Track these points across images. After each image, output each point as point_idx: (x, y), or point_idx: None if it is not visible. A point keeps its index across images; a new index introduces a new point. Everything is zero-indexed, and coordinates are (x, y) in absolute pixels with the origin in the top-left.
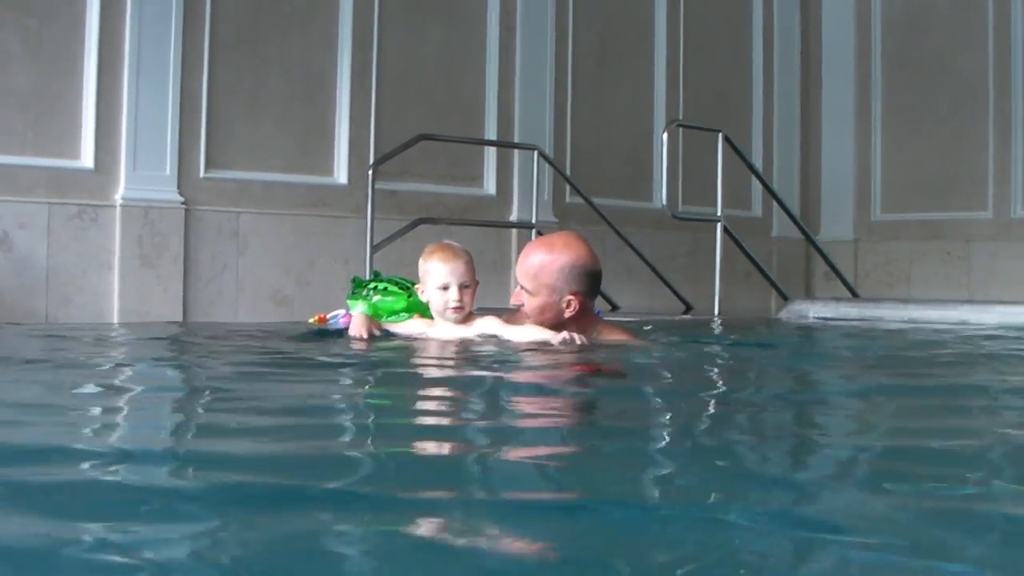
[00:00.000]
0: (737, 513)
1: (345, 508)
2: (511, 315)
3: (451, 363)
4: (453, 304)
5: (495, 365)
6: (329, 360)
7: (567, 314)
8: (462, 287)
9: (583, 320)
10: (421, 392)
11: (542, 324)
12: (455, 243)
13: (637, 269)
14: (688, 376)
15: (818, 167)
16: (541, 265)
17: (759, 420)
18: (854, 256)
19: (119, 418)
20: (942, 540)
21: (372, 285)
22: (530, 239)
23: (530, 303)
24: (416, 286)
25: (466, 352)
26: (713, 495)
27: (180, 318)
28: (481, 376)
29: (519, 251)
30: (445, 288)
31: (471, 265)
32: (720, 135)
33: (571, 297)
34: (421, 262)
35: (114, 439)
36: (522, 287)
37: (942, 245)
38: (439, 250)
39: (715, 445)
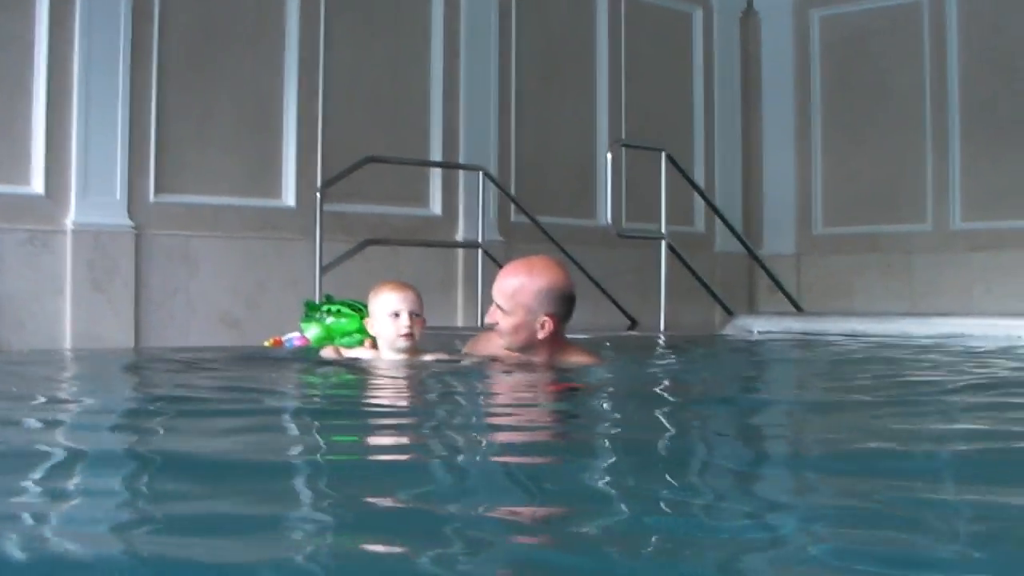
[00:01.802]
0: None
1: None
2: (482, 335)
3: (409, 385)
4: (404, 330)
5: (458, 383)
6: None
7: (540, 335)
8: (412, 315)
9: (554, 342)
10: (383, 419)
11: (515, 343)
12: (401, 281)
13: (583, 286)
14: (652, 394)
15: (760, 183)
16: (520, 286)
17: (704, 430)
18: (796, 270)
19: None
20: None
21: (325, 308)
22: (476, 258)
23: (505, 322)
24: (365, 321)
25: (424, 373)
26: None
27: (132, 342)
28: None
29: (465, 270)
30: (396, 315)
31: (420, 298)
32: (663, 154)
33: (546, 318)
34: (372, 297)
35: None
36: (497, 306)
37: (883, 258)
38: (388, 282)
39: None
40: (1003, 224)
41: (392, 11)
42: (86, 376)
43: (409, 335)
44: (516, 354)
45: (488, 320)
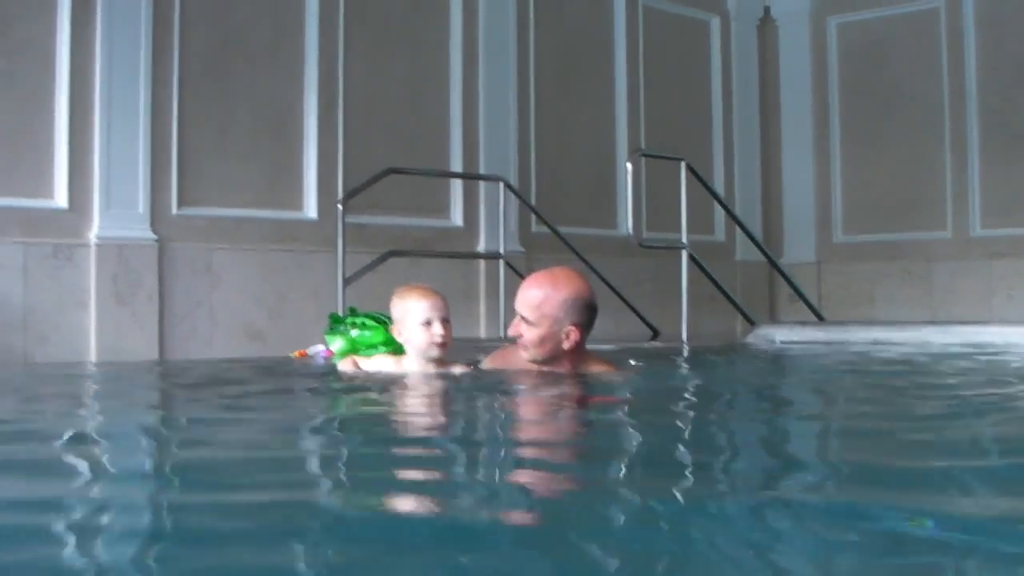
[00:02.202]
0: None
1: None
2: (506, 348)
3: (440, 400)
4: (439, 339)
5: (491, 397)
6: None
7: (565, 345)
8: (444, 322)
9: (576, 353)
10: (411, 432)
11: (540, 354)
12: (425, 286)
13: (604, 296)
14: (682, 406)
15: (779, 191)
16: (545, 297)
17: (732, 443)
18: (817, 278)
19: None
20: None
21: (349, 321)
22: (497, 269)
23: (530, 333)
24: (391, 328)
25: (456, 386)
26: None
27: (156, 354)
28: (478, 408)
29: (487, 281)
30: (428, 324)
31: (447, 304)
32: (683, 163)
33: (571, 328)
34: (397, 302)
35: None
36: (522, 317)
37: (903, 265)
38: (416, 288)
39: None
40: (1023, 231)
41: (411, 21)
42: (108, 390)
43: (443, 344)
44: (539, 366)
45: (512, 332)
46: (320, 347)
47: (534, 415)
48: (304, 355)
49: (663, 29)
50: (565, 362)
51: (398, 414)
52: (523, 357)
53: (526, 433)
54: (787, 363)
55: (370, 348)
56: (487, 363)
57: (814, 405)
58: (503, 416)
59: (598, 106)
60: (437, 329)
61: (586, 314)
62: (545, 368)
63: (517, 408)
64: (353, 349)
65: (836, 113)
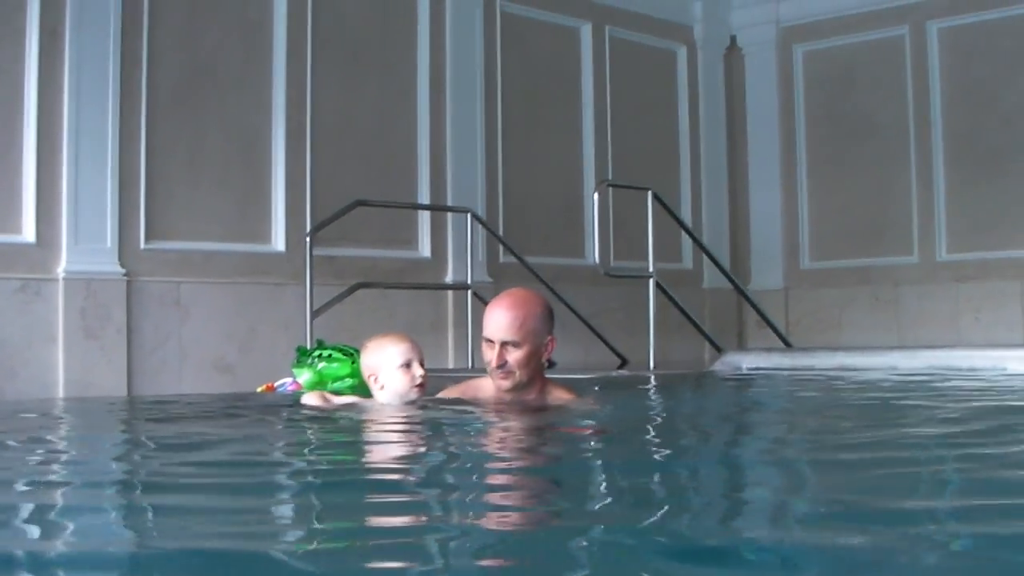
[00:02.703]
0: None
1: None
2: (469, 381)
3: (417, 434)
4: (419, 379)
5: (465, 430)
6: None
7: (545, 357)
8: (421, 363)
9: (542, 379)
10: (394, 461)
11: (526, 375)
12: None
13: (572, 325)
14: (656, 434)
15: (746, 218)
16: (525, 315)
17: (705, 474)
18: (785, 304)
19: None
20: None
21: (316, 353)
22: (465, 300)
23: (517, 356)
24: (367, 377)
25: (428, 420)
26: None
27: (125, 389)
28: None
29: (455, 312)
30: (407, 366)
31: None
32: (649, 193)
33: (550, 339)
34: (372, 351)
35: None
36: (504, 344)
37: (870, 290)
38: (387, 335)
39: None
40: (989, 255)
41: (378, 52)
42: (75, 432)
43: (423, 385)
44: (508, 395)
45: (496, 362)
46: (288, 380)
47: (510, 447)
48: (271, 388)
49: (630, 59)
50: (533, 390)
51: (368, 449)
52: (503, 386)
53: (502, 465)
54: (751, 391)
55: (337, 380)
56: (447, 393)
57: (773, 435)
58: (476, 450)
59: (565, 136)
60: (417, 370)
61: (554, 323)
62: (514, 397)
63: (496, 441)
64: (320, 381)
65: (803, 140)
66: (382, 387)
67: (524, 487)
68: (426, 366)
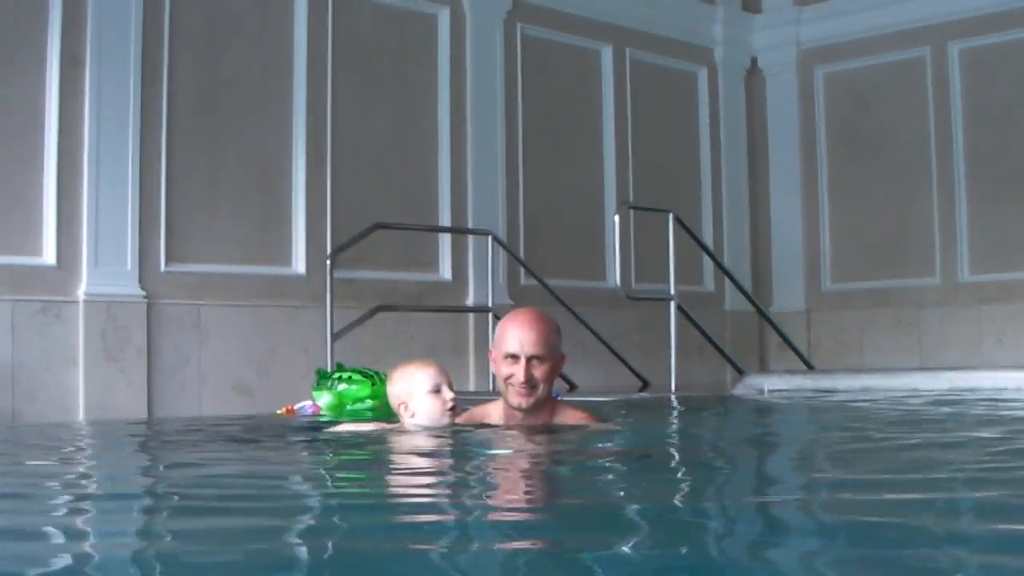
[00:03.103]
0: None
1: None
2: (477, 407)
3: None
4: (451, 403)
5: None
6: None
7: (558, 372)
8: (450, 387)
9: (552, 400)
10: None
11: (547, 391)
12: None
13: (592, 347)
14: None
15: (768, 240)
16: (550, 330)
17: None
18: (806, 326)
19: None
20: None
21: (336, 375)
22: (486, 323)
23: (542, 371)
24: (400, 406)
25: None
26: None
27: (145, 411)
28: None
29: (476, 335)
30: (436, 391)
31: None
32: (670, 215)
33: (562, 355)
34: (399, 378)
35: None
36: (530, 358)
37: (892, 312)
38: (413, 362)
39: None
40: (1011, 276)
41: (398, 75)
42: (94, 456)
43: (455, 408)
44: (521, 415)
45: (524, 379)
46: (308, 402)
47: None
48: (292, 411)
49: (651, 81)
50: (545, 411)
51: (392, 475)
52: (524, 404)
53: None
54: (773, 413)
55: (357, 402)
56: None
57: (794, 457)
58: (508, 474)
59: (586, 158)
60: (447, 393)
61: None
62: (527, 419)
63: (526, 466)
64: (340, 404)
65: (824, 161)
66: (413, 415)
67: (553, 511)
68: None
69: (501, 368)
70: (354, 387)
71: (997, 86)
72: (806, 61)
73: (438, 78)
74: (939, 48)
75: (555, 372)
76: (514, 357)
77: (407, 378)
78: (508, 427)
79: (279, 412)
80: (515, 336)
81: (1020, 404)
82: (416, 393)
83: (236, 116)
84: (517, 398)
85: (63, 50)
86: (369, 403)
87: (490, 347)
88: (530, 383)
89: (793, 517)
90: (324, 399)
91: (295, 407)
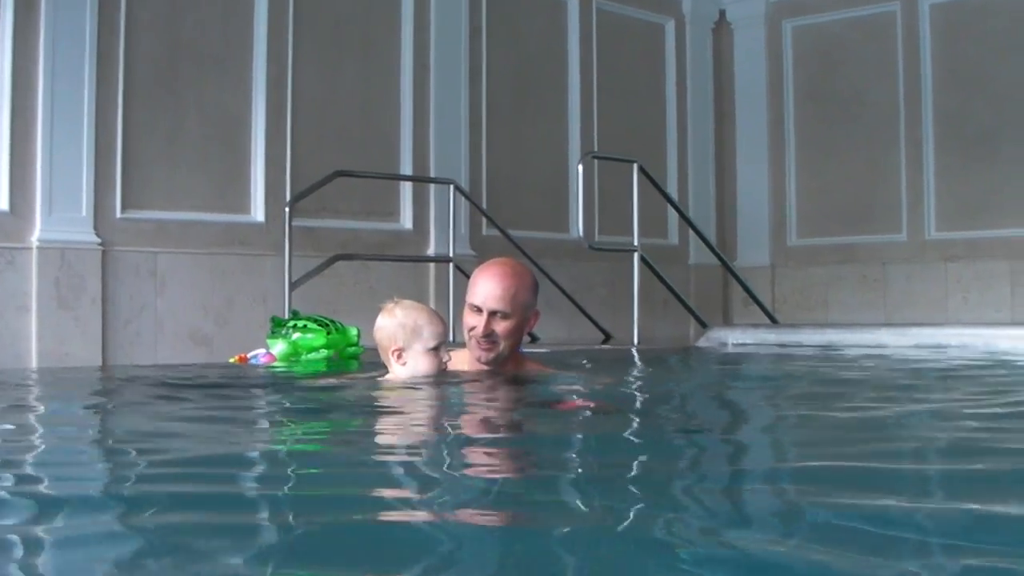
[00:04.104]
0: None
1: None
2: (454, 350)
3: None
4: (446, 367)
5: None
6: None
7: (528, 329)
8: (448, 348)
9: (516, 353)
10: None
11: (510, 347)
12: (414, 303)
13: (556, 300)
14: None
15: (734, 195)
16: (518, 286)
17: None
18: (771, 282)
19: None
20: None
21: (291, 323)
22: (447, 273)
23: (504, 327)
24: (393, 351)
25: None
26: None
27: (99, 360)
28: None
29: (437, 285)
30: (436, 350)
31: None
32: (635, 165)
33: (534, 312)
34: (401, 327)
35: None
36: (493, 313)
37: (858, 269)
38: (422, 311)
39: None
40: (978, 234)
41: (362, 25)
42: (53, 398)
43: (446, 370)
44: (484, 367)
45: (483, 332)
46: (261, 351)
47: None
48: (244, 359)
49: (617, 32)
50: (510, 363)
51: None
52: (483, 357)
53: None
54: (738, 365)
55: (312, 351)
56: None
57: (768, 409)
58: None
59: (551, 109)
60: (445, 356)
61: (537, 295)
62: (490, 369)
63: (488, 417)
64: (294, 352)
65: (791, 116)
66: (404, 363)
67: (517, 464)
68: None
69: (465, 318)
70: (309, 336)
71: (967, 44)
72: (775, 14)
73: (401, 29)
74: (910, 3)
75: (521, 330)
76: (477, 309)
77: (412, 327)
78: (475, 378)
79: (232, 361)
80: (482, 289)
81: (985, 362)
82: (414, 346)
83: (197, 68)
84: (477, 350)
85: None
86: (324, 353)
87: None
88: (489, 337)
89: (756, 466)
90: (278, 347)
91: (248, 356)
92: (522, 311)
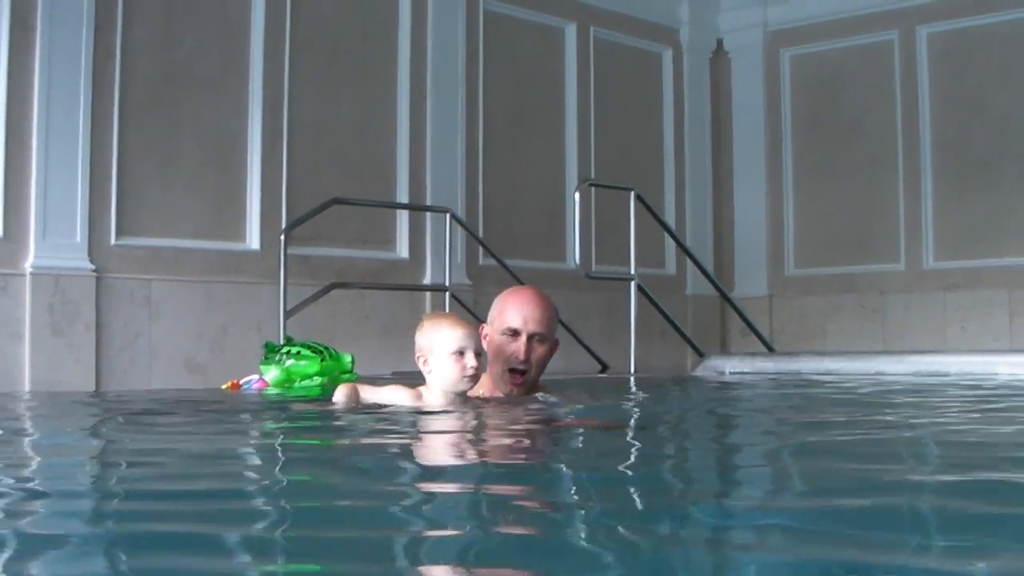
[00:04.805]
0: None
1: None
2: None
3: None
4: (471, 371)
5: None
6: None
7: (549, 359)
8: (477, 354)
9: None
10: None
11: (539, 373)
12: (443, 313)
13: None
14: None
15: (731, 224)
16: (553, 310)
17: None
18: (769, 312)
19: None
20: None
21: (285, 350)
22: (443, 302)
23: (542, 351)
24: (419, 358)
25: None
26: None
27: (92, 386)
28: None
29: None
30: (460, 354)
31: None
32: (632, 194)
33: (557, 339)
34: (426, 329)
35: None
36: (534, 336)
37: (856, 298)
38: (444, 316)
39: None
40: (976, 263)
41: (358, 52)
42: (44, 422)
43: (476, 376)
44: (515, 392)
45: (521, 356)
46: (254, 377)
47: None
48: (237, 386)
49: (615, 61)
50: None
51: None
52: (512, 391)
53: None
54: (739, 392)
55: (306, 379)
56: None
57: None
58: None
59: (548, 138)
60: (470, 360)
61: None
62: (512, 397)
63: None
64: (288, 379)
65: (789, 145)
66: (431, 371)
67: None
68: (482, 355)
69: (497, 346)
70: (303, 363)
71: (965, 72)
72: (772, 43)
73: (398, 54)
74: (907, 32)
75: (549, 358)
76: (515, 333)
77: (433, 333)
78: (484, 402)
79: (224, 387)
80: (523, 311)
81: (989, 388)
82: (437, 351)
83: (193, 92)
84: (509, 384)
85: (13, 16)
86: (318, 380)
87: (483, 325)
88: (527, 363)
89: (751, 483)
90: (272, 374)
91: (240, 382)
92: (554, 336)
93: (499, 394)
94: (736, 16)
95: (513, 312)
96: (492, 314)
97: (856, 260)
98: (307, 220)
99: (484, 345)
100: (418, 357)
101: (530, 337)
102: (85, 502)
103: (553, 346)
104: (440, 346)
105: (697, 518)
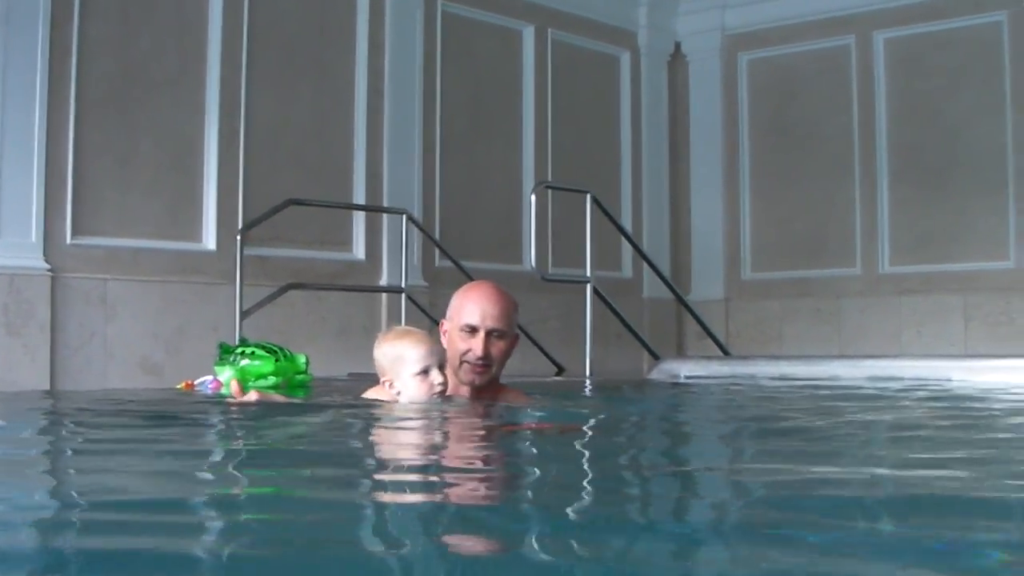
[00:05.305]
0: None
1: None
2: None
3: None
4: (439, 388)
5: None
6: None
7: (511, 353)
8: (441, 368)
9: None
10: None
11: (499, 370)
12: (410, 327)
13: None
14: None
15: (688, 228)
16: (512, 305)
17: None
18: (725, 315)
19: None
20: None
21: (239, 350)
22: (399, 303)
23: (501, 346)
24: (384, 382)
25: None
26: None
27: (47, 386)
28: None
29: (389, 316)
30: (425, 372)
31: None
32: (588, 196)
33: (517, 334)
34: (385, 350)
35: None
36: (490, 332)
37: (812, 302)
38: (403, 335)
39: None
40: (931, 268)
41: (315, 53)
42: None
43: (444, 391)
44: (464, 393)
45: (479, 352)
46: (209, 378)
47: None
48: (191, 386)
49: (573, 63)
50: (489, 391)
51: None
52: (476, 381)
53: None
54: (688, 398)
55: (260, 378)
56: (373, 393)
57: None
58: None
59: (506, 140)
60: (437, 378)
61: None
62: (472, 395)
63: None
64: (242, 379)
65: (746, 149)
66: (398, 393)
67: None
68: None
69: (456, 342)
70: (257, 363)
71: (921, 77)
72: (730, 47)
73: (356, 55)
74: (864, 37)
75: (510, 352)
76: (472, 330)
77: (393, 353)
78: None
79: (178, 387)
80: (481, 307)
81: (942, 392)
82: (402, 373)
83: (150, 92)
84: (470, 374)
85: None
86: (272, 380)
87: (442, 321)
88: (486, 359)
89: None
90: (225, 374)
91: (195, 382)
92: (513, 332)
93: (463, 389)
94: (694, 20)
95: (472, 308)
96: (451, 310)
97: (812, 264)
98: (263, 221)
99: (443, 341)
100: (383, 382)
101: (488, 333)
102: (27, 513)
103: (513, 340)
104: (404, 368)
105: (651, 523)
